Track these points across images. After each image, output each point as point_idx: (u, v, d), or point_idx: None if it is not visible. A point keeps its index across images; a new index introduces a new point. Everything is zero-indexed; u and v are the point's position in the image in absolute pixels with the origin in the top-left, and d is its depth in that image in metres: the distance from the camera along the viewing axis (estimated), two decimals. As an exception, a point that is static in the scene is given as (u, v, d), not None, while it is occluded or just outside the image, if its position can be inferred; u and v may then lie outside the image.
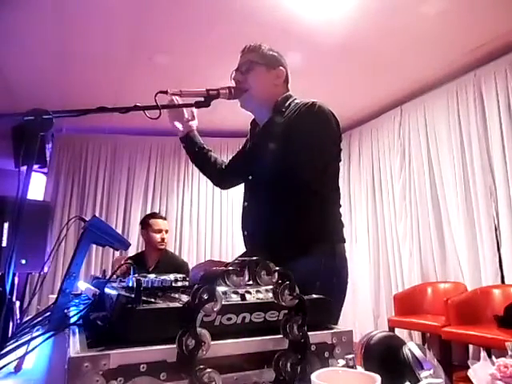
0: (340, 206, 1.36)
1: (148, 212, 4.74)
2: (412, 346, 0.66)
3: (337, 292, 1.22)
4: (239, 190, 1.54)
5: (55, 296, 0.77)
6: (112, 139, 5.05)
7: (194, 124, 1.57)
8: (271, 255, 0.63)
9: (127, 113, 0.95)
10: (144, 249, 3.17)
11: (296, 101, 1.37)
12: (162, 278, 0.86)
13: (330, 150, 1.29)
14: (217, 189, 5.16)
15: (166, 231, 3.02)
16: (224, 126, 4.69)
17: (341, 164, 1.39)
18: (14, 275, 0.70)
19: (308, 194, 1.23)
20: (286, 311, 0.62)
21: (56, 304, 0.74)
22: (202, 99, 1.10)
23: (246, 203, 1.39)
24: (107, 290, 0.75)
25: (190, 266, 3.06)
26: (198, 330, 0.51)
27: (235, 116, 4.33)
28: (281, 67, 1.41)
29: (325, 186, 1.28)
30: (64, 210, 4.76)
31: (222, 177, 1.59)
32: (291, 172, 1.21)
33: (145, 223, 3.04)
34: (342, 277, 1.27)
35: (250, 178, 1.39)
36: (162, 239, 2.95)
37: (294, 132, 1.25)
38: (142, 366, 0.51)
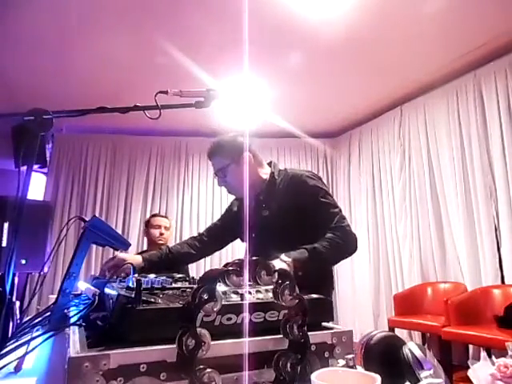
0: None
1: (148, 212, 4.79)
2: (412, 346, 0.66)
3: None
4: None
5: (55, 296, 0.77)
6: (112, 139, 5.04)
7: (133, 260, 1.47)
8: None
9: (127, 113, 0.95)
10: (146, 248, 3.18)
11: (288, 171, 1.56)
12: (162, 278, 0.86)
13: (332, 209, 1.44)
14: (217, 189, 5.16)
15: (166, 228, 3.06)
16: (223, 126, 4.68)
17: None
18: (14, 275, 0.70)
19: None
20: (286, 311, 0.61)
21: (56, 304, 0.74)
22: (202, 99, 1.09)
23: (251, 255, 1.51)
24: (107, 290, 0.75)
25: (190, 266, 3.08)
26: (198, 330, 0.51)
27: (234, 116, 4.34)
28: (243, 154, 1.52)
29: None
30: (64, 209, 4.75)
31: (203, 251, 1.72)
32: (296, 232, 1.38)
33: (146, 222, 3.16)
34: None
35: (254, 235, 1.50)
36: (161, 234, 3.00)
37: (295, 200, 1.43)
38: (141, 366, 0.51)
